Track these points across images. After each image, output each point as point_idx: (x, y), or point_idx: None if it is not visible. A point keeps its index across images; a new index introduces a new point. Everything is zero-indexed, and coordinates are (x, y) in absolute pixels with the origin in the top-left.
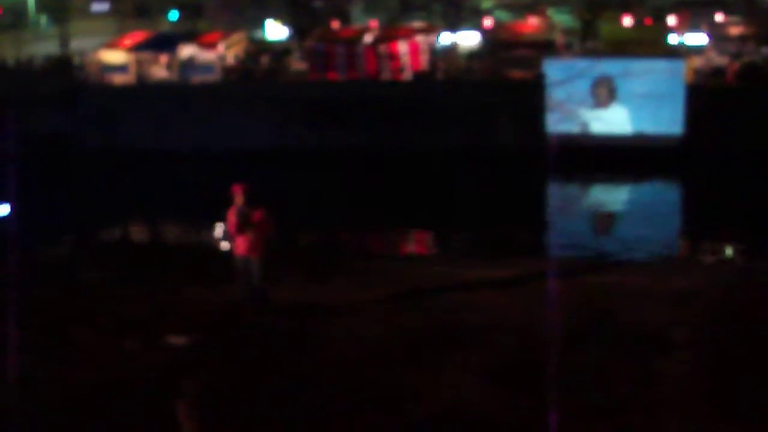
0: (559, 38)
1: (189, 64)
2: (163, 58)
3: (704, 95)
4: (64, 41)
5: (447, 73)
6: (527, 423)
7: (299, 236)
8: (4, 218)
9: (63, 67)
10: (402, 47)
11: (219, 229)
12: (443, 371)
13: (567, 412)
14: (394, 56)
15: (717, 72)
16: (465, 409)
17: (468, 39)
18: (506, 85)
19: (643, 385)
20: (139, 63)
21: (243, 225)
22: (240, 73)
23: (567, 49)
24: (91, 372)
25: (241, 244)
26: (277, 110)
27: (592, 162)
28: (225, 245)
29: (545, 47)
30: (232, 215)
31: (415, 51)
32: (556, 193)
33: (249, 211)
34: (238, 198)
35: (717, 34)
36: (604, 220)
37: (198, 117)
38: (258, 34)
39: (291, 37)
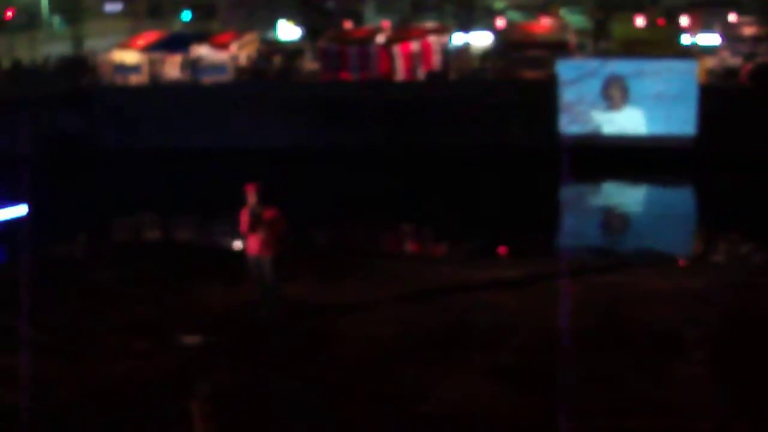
0: (571, 39)
1: (202, 65)
2: (176, 59)
3: (717, 96)
4: (78, 42)
5: (460, 73)
6: (537, 423)
7: (310, 235)
8: (22, 218)
9: (78, 67)
10: (414, 47)
11: (236, 243)
12: (453, 371)
13: (577, 412)
14: (406, 57)
15: (730, 72)
16: (475, 408)
17: (480, 39)
18: (519, 85)
19: (655, 385)
20: (152, 63)
21: (255, 224)
22: (252, 73)
23: (579, 50)
24: (104, 372)
25: (254, 244)
26: (289, 110)
27: (605, 163)
28: (237, 244)
29: (558, 48)
30: (244, 215)
31: (427, 51)
32: (568, 193)
33: (261, 210)
34: (251, 197)
35: (730, 34)
36: (616, 221)
37: (210, 117)
38: (270, 35)
39: (303, 38)
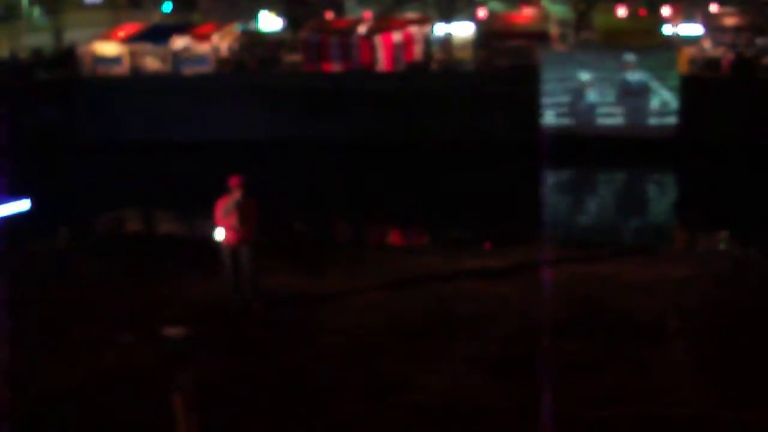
0: (553, 29)
1: (183, 56)
2: (158, 50)
3: (699, 86)
4: (58, 33)
5: (442, 63)
6: (521, 412)
7: (292, 226)
8: (25, 213)
9: (65, 58)
10: (396, 38)
11: (218, 234)
12: (437, 361)
13: (561, 401)
14: (388, 47)
15: (712, 63)
16: (459, 398)
17: (462, 30)
18: (501, 76)
19: (636, 373)
20: (133, 55)
21: (233, 215)
22: (234, 64)
23: (561, 40)
24: (87, 365)
25: (230, 234)
26: (271, 101)
27: (587, 153)
28: (217, 236)
29: (539, 38)
30: (221, 205)
31: (409, 42)
32: (551, 184)
33: (243, 202)
34: (236, 189)
35: (711, 24)
36: (598, 211)
37: (192, 109)
38: (252, 26)
39: (285, 29)
